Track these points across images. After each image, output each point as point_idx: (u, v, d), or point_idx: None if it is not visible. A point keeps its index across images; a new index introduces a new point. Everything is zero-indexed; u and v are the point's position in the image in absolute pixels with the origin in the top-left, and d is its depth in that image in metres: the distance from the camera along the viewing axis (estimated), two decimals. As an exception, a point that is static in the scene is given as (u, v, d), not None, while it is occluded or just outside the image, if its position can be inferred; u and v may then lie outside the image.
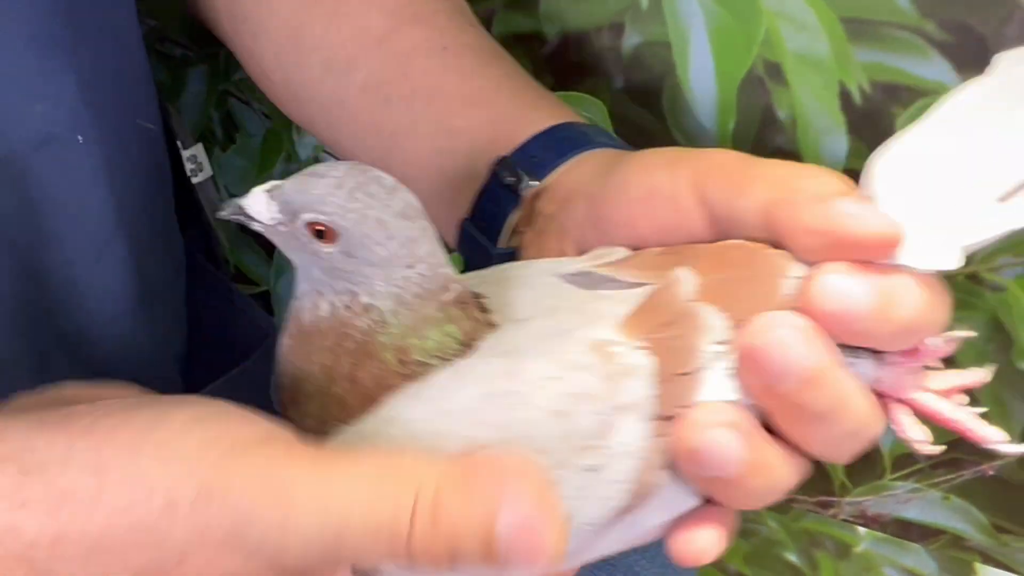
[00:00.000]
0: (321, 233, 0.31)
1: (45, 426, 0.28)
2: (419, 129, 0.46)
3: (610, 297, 0.33)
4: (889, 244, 0.31)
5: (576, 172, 0.40)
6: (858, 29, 0.53)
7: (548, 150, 0.42)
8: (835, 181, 0.33)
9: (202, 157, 0.64)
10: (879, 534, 0.69)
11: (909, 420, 0.34)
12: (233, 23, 0.52)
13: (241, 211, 0.32)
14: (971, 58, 0.50)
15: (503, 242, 0.42)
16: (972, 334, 0.34)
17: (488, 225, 0.42)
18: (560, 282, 0.34)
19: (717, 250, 0.34)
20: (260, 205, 0.32)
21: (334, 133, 0.50)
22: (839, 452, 0.33)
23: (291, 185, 0.32)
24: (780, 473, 0.33)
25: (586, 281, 0.34)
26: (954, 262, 0.32)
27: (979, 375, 0.35)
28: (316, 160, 0.82)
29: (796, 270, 0.33)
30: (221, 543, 0.26)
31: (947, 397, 0.35)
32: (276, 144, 0.84)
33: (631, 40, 0.60)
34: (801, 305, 0.32)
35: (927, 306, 0.32)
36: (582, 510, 0.31)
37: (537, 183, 0.41)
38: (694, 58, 0.58)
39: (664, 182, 0.35)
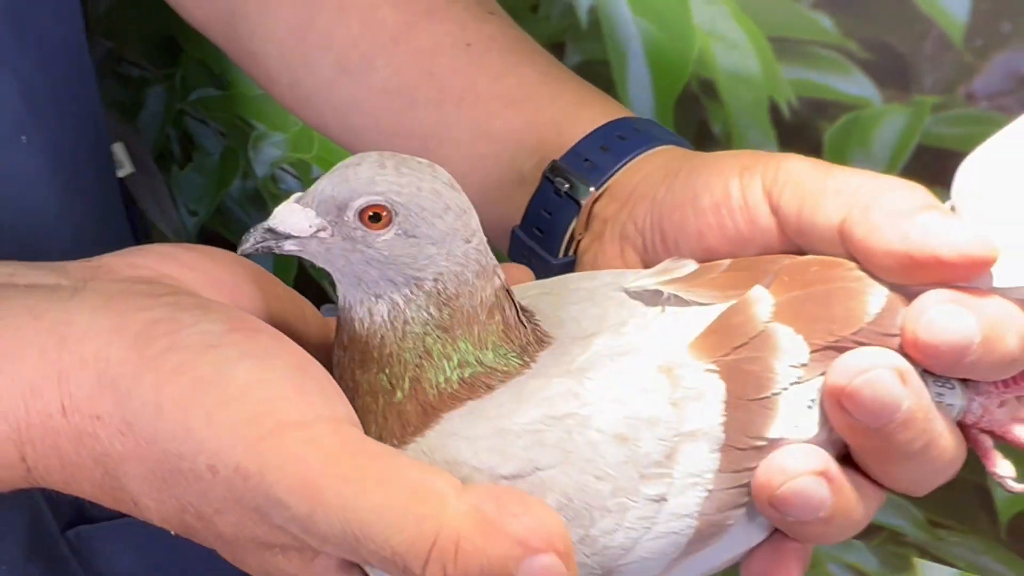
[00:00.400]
0: (377, 217, 0.30)
1: (122, 337, 0.29)
2: (454, 133, 0.44)
3: (679, 316, 0.32)
4: (980, 264, 0.29)
5: (637, 173, 0.38)
6: (785, 48, 0.56)
7: (604, 152, 0.40)
8: (916, 194, 0.31)
9: (121, 154, 0.66)
10: (823, 532, 0.72)
11: (997, 454, 0.33)
12: (231, 24, 0.49)
13: (270, 235, 0.30)
14: (891, 74, 0.53)
15: (563, 251, 0.40)
16: None
17: (545, 235, 0.40)
18: (626, 298, 0.32)
19: (794, 266, 0.32)
20: (294, 217, 0.30)
21: (352, 137, 0.47)
22: (921, 487, 0.32)
23: (327, 183, 0.30)
24: (861, 511, 0.31)
25: (654, 299, 0.32)
26: None
27: None
28: (273, 177, 0.84)
29: (881, 289, 0.31)
30: (252, 511, 0.28)
31: None
32: (233, 162, 0.85)
33: (572, 59, 0.63)
34: (901, 336, 0.30)
35: (993, 327, 0.30)
36: (644, 543, 0.30)
37: (595, 189, 0.39)
38: (632, 76, 0.61)
39: (736, 191, 0.33)
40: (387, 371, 0.30)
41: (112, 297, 0.30)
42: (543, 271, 0.39)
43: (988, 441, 0.33)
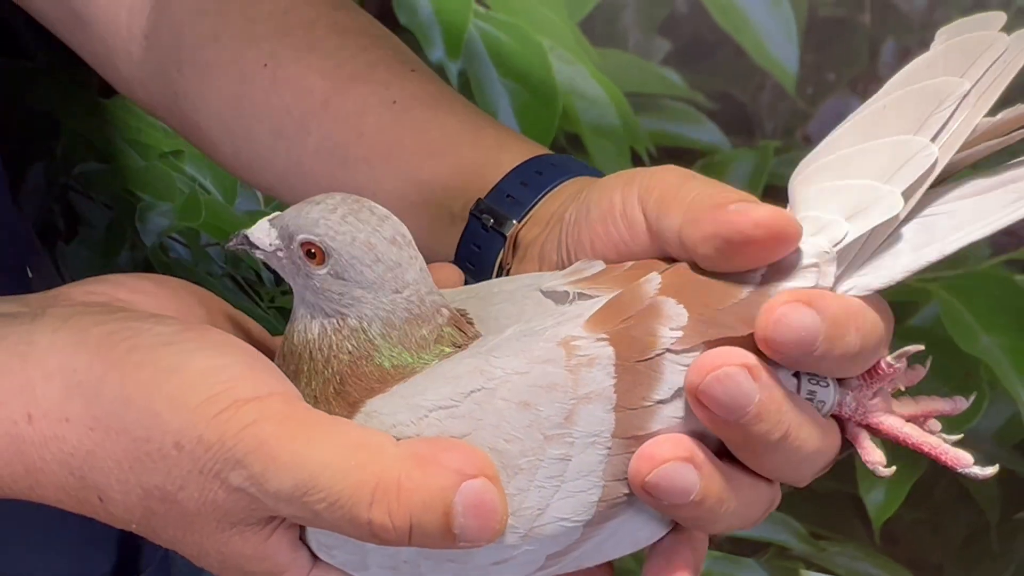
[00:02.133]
0: (312, 254, 0.34)
1: (85, 348, 0.33)
2: (385, 186, 0.47)
3: (582, 305, 0.35)
4: (782, 236, 0.32)
5: (555, 201, 0.42)
6: (641, 102, 0.62)
7: (524, 187, 0.44)
8: (740, 195, 0.34)
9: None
10: (716, 552, 0.77)
11: (869, 443, 0.35)
12: (174, 102, 0.53)
13: (246, 240, 0.35)
14: (736, 122, 0.60)
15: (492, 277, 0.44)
16: (920, 348, 0.34)
17: (476, 268, 0.44)
18: (541, 297, 0.36)
19: (687, 265, 0.35)
20: (262, 233, 0.35)
21: (296, 196, 0.50)
22: (796, 476, 0.35)
23: (290, 212, 0.34)
24: (739, 498, 0.34)
25: (563, 298, 0.35)
26: (847, 236, 0.33)
27: (952, 403, 0.35)
28: (162, 246, 0.86)
29: (759, 270, 0.33)
30: (213, 478, 0.32)
31: (919, 422, 0.35)
32: (120, 233, 0.87)
33: (447, 120, 0.68)
34: (755, 334, 0.32)
35: (874, 328, 0.33)
36: (556, 503, 0.33)
37: (517, 222, 0.43)
38: (504, 133, 0.66)
39: (617, 202, 0.36)
40: (312, 384, 0.34)
41: (70, 318, 0.34)
42: None
43: (863, 433, 0.35)
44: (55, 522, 0.43)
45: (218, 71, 0.51)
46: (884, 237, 0.34)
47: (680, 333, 0.33)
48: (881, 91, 0.35)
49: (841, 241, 0.33)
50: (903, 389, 0.35)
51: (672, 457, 0.32)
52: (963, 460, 0.34)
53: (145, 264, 0.87)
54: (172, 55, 0.52)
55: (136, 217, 0.85)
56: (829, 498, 0.73)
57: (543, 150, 0.46)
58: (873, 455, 0.35)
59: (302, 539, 0.34)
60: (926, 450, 0.34)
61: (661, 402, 0.33)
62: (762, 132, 0.59)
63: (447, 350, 0.34)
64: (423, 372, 0.34)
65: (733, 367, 0.32)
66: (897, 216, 0.33)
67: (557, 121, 0.64)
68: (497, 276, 0.44)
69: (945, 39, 0.35)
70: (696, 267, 0.34)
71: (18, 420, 0.33)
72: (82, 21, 0.54)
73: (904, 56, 0.56)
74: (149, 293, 0.36)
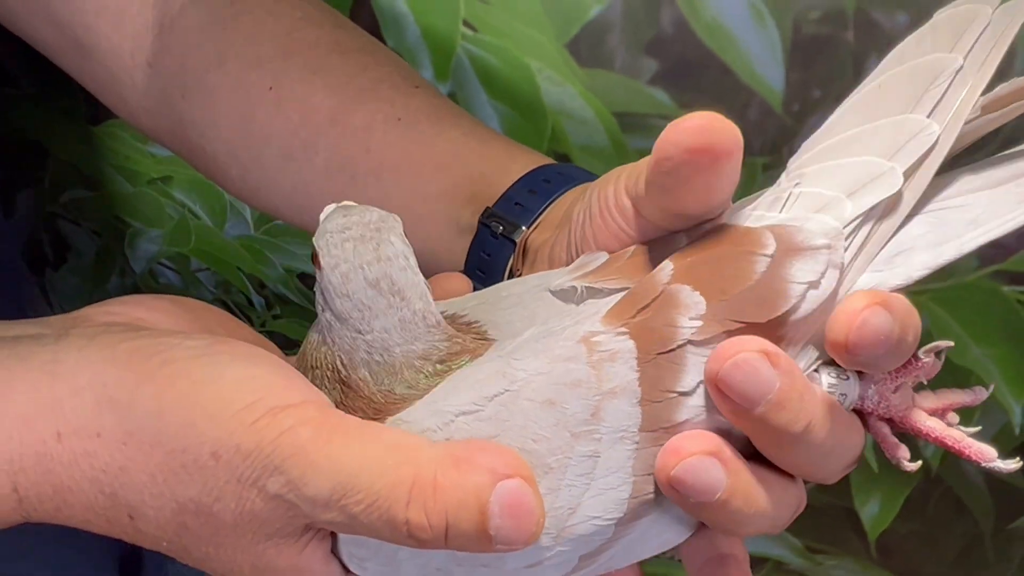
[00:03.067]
0: (316, 261, 0.34)
1: (115, 363, 0.33)
2: (394, 201, 0.48)
3: (597, 302, 0.35)
4: (708, 131, 0.32)
5: (562, 207, 0.44)
6: (629, 122, 0.63)
7: (532, 195, 0.45)
8: None
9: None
10: (712, 569, 0.78)
11: (893, 438, 0.35)
12: (180, 129, 0.54)
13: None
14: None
15: None
16: (950, 344, 0.35)
17: (487, 275, 0.45)
18: (551, 297, 0.36)
19: (692, 243, 0.34)
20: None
21: (304, 217, 0.52)
22: (824, 473, 0.35)
23: (336, 209, 0.35)
24: (763, 499, 0.33)
25: (571, 296, 0.36)
26: (845, 216, 0.33)
27: (972, 395, 0.35)
28: (152, 272, 0.87)
29: (769, 246, 0.33)
30: (251, 486, 0.32)
31: (940, 416, 0.35)
32: (109, 260, 0.88)
33: (436, 142, 0.69)
34: (826, 337, 0.33)
35: (919, 325, 0.33)
36: (588, 501, 0.33)
37: (526, 228, 0.44)
38: (493, 154, 0.67)
39: (611, 194, 0.37)
40: (323, 388, 0.35)
41: (96, 336, 0.34)
42: None
43: (886, 428, 0.35)
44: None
45: (223, 96, 0.52)
46: (894, 228, 0.34)
47: (699, 323, 0.33)
48: (875, 71, 0.35)
49: (849, 221, 0.33)
50: (925, 383, 0.35)
51: (698, 451, 0.32)
52: (987, 454, 0.34)
53: (135, 290, 0.88)
54: (176, 81, 0.53)
55: (125, 243, 0.86)
56: (824, 512, 0.74)
57: (548, 160, 0.47)
58: (898, 450, 0.35)
59: (334, 552, 0.34)
60: (950, 444, 0.34)
61: (685, 393, 0.33)
62: (749, 149, 0.60)
63: (443, 369, 0.34)
64: (445, 381, 0.34)
65: (751, 353, 0.32)
66: (900, 193, 0.33)
67: (546, 141, 0.66)
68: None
69: (939, 15, 0.35)
70: (703, 246, 0.34)
71: (47, 439, 0.33)
72: (85, 50, 0.55)
73: (888, 72, 0.57)
74: (168, 312, 0.37)
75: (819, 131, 0.36)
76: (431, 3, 0.66)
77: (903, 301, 0.33)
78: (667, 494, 0.33)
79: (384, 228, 0.34)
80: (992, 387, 0.36)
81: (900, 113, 0.34)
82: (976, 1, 0.34)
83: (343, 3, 0.68)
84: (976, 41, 0.34)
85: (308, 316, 0.85)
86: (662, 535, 0.35)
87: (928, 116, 0.34)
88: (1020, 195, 0.34)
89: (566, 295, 0.36)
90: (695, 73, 0.61)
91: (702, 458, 0.32)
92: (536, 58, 0.65)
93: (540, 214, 0.44)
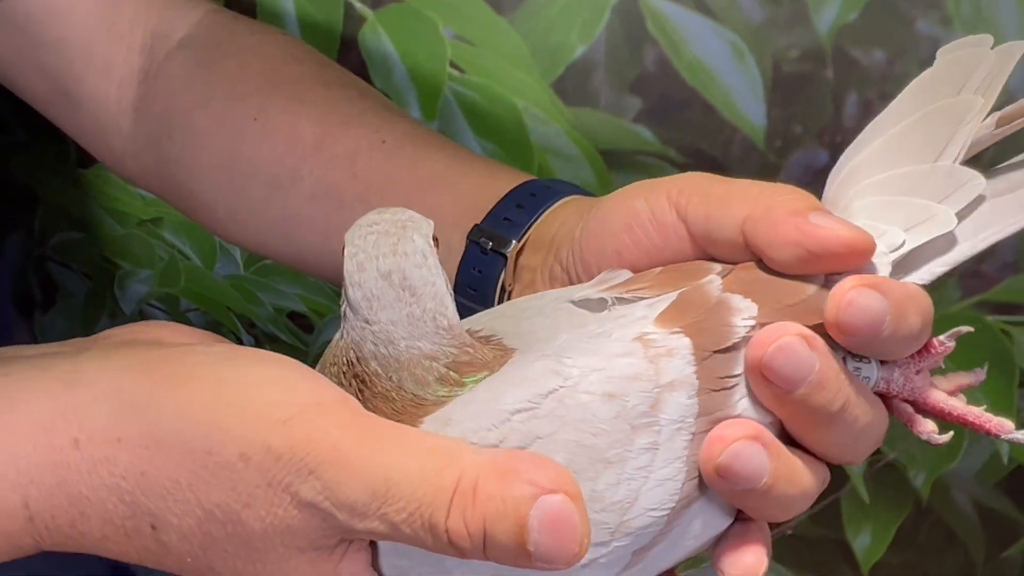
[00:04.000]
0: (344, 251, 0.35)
1: (136, 369, 0.32)
2: None
3: (633, 308, 0.36)
4: (862, 252, 0.35)
5: (554, 222, 0.43)
6: (614, 158, 0.65)
7: (519, 209, 0.45)
8: (806, 198, 0.36)
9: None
10: (705, 603, 0.78)
11: (918, 415, 0.37)
12: (165, 169, 0.55)
13: None
14: (708, 175, 0.62)
15: (496, 303, 0.45)
16: (970, 329, 0.37)
17: (478, 291, 0.45)
18: (574, 308, 0.36)
19: (741, 265, 0.37)
20: None
21: (293, 247, 0.52)
22: (854, 454, 0.36)
23: (376, 209, 0.36)
24: (805, 480, 0.35)
25: (599, 306, 0.36)
26: (902, 244, 0.36)
27: (975, 376, 0.38)
28: (141, 313, 0.87)
29: (812, 283, 0.36)
30: (283, 492, 0.30)
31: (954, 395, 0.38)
32: (99, 302, 0.88)
33: (425, 180, 0.70)
34: (823, 318, 0.34)
35: (930, 310, 0.35)
36: (645, 493, 0.34)
37: (516, 242, 0.44)
38: (481, 192, 0.68)
39: (643, 208, 0.38)
40: (341, 387, 0.34)
41: (118, 348, 0.34)
42: None
43: (909, 408, 0.37)
44: None
45: (209, 133, 0.52)
46: (932, 249, 0.37)
47: (753, 322, 0.35)
48: (898, 103, 0.38)
49: (899, 248, 0.36)
50: (943, 367, 0.38)
51: (741, 436, 0.34)
52: (1006, 427, 0.36)
53: (125, 332, 0.88)
54: (163, 123, 0.54)
55: (115, 285, 0.86)
56: (817, 544, 0.75)
57: (531, 177, 0.48)
58: (925, 425, 0.37)
59: (374, 565, 0.33)
60: (971, 419, 0.37)
61: (736, 386, 0.35)
62: (734, 184, 0.61)
63: (456, 377, 0.34)
64: (488, 380, 0.34)
65: (792, 337, 0.34)
66: (951, 233, 0.37)
67: (533, 179, 0.67)
68: (500, 297, 0.45)
69: (943, 55, 0.39)
70: (760, 266, 0.36)
71: (64, 446, 0.31)
72: (72, 99, 0.56)
73: (867, 108, 0.59)
74: (185, 333, 0.37)
75: (864, 158, 0.38)
76: (418, 45, 0.67)
77: (904, 286, 0.35)
78: (713, 485, 0.34)
79: (410, 227, 0.35)
80: (986, 366, 0.38)
81: (935, 151, 0.37)
82: (974, 45, 0.38)
83: (331, 45, 0.69)
84: (982, 80, 0.38)
85: (298, 355, 0.85)
86: (705, 526, 0.36)
87: (958, 153, 0.37)
88: (1019, 203, 0.38)
89: (592, 306, 0.37)
90: (678, 111, 0.63)
91: (746, 443, 0.34)
92: (522, 97, 0.66)
93: (529, 227, 0.44)
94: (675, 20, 0.60)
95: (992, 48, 0.38)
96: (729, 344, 0.34)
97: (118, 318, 0.88)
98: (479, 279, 0.45)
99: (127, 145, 0.56)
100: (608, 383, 0.33)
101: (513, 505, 0.30)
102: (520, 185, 0.46)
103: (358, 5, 0.68)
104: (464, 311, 0.44)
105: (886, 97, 0.58)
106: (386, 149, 0.50)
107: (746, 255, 0.36)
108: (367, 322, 0.34)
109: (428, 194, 0.48)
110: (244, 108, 0.52)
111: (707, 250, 0.37)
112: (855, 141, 0.38)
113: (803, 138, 0.59)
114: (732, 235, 0.36)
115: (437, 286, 0.35)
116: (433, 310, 0.34)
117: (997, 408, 0.68)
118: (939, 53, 0.39)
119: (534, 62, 0.65)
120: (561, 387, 0.33)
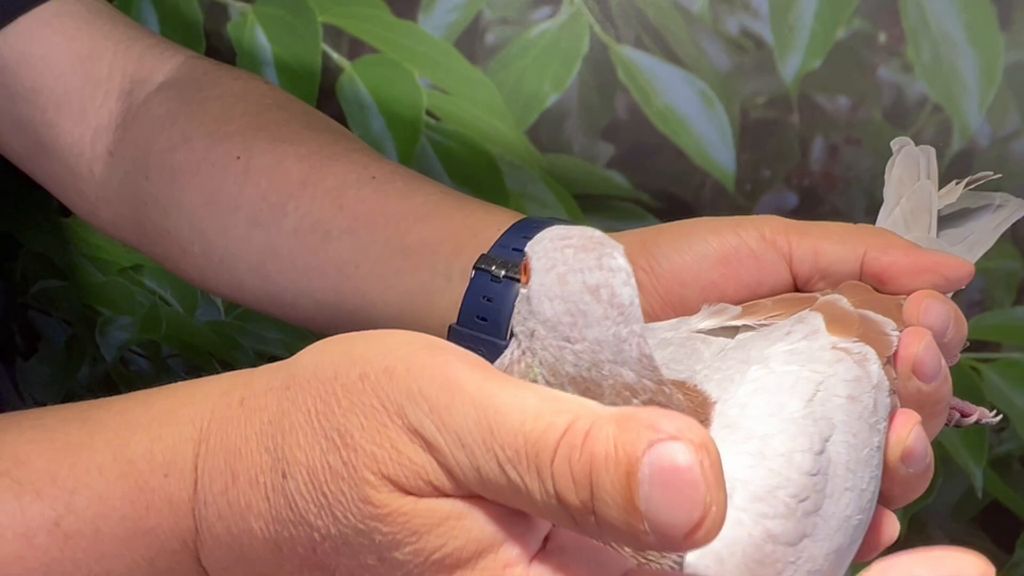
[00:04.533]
0: (525, 268, 0.33)
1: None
2: (370, 255, 0.48)
3: (771, 331, 0.37)
4: (968, 278, 0.41)
5: None
6: (589, 203, 0.66)
7: (527, 240, 0.44)
8: (904, 236, 0.43)
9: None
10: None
11: (967, 403, 0.43)
12: (142, 212, 0.54)
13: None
14: (679, 218, 0.63)
15: (511, 332, 0.45)
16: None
17: (489, 320, 0.44)
18: (704, 336, 0.37)
19: (847, 286, 0.41)
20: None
21: (271, 285, 0.51)
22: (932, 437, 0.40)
23: (550, 230, 0.34)
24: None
25: (730, 334, 0.37)
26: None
27: (984, 414, 0.44)
28: (123, 359, 0.88)
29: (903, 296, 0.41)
30: (393, 413, 0.29)
31: None
32: (80, 349, 0.89)
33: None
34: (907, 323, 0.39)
35: (956, 313, 0.40)
36: (874, 489, 0.35)
37: None
38: (458, 237, 0.70)
39: (738, 243, 0.41)
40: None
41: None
42: (493, 353, 0.38)
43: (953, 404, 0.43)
44: None
45: (189, 171, 0.52)
46: None
47: (899, 333, 0.38)
48: (890, 191, 0.45)
49: None
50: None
51: (916, 421, 0.37)
52: (986, 413, 0.43)
53: (106, 378, 0.89)
54: (139, 164, 0.54)
55: (96, 331, 0.87)
56: None
57: (526, 216, 0.48)
58: (978, 413, 0.43)
59: None
60: (969, 409, 0.43)
61: (895, 390, 0.38)
62: (706, 228, 0.63)
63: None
64: (736, 391, 0.34)
65: (929, 336, 0.38)
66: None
67: (509, 224, 0.68)
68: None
69: (898, 148, 0.46)
70: (855, 289, 0.40)
71: (232, 404, 0.32)
72: (44, 147, 0.56)
73: (833, 151, 0.61)
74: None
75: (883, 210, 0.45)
76: (395, 94, 0.69)
77: (953, 303, 0.41)
78: (894, 472, 0.36)
79: (608, 244, 0.32)
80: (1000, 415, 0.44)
81: (922, 226, 0.45)
82: (913, 145, 0.46)
83: (309, 93, 0.71)
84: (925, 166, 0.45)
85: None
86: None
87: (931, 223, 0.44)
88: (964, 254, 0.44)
89: (723, 334, 0.38)
90: (650, 156, 0.64)
91: (919, 428, 0.37)
92: (497, 144, 0.68)
93: None
94: (645, 69, 0.62)
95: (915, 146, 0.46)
96: (892, 352, 0.37)
97: (99, 364, 0.89)
98: (490, 308, 0.44)
99: (100, 191, 0.56)
100: (846, 386, 0.35)
101: (624, 448, 0.25)
102: (522, 220, 0.47)
103: (335, 56, 0.70)
104: (469, 343, 0.45)
105: (851, 141, 0.60)
106: (375, 184, 0.49)
107: (833, 284, 0.41)
108: (568, 340, 0.31)
109: (420, 224, 0.47)
110: (228, 147, 0.52)
111: (809, 281, 0.41)
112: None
113: (772, 181, 0.61)
114: (852, 268, 0.41)
115: (640, 309, 0.32)
116: (639, 334, 0.32)
117: (968, 446, 0.69)
118: (892, 144, 0.47)
119: (508, 110, 0.66)
120: (818, 392, 0.34)
